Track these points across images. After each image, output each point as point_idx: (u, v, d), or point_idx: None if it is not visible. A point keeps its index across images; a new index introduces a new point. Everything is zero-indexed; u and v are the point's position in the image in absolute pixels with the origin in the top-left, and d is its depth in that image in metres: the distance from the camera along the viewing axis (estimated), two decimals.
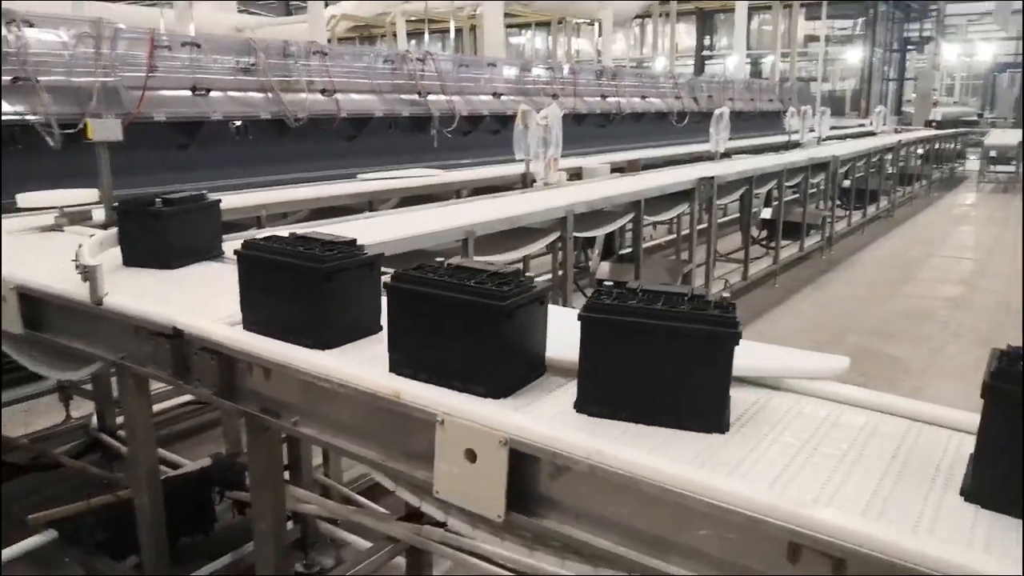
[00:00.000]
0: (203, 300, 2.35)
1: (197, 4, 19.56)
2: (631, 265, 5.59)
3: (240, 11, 28.13)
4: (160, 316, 2.13)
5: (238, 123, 6.43)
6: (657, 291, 1.60)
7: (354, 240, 2.02)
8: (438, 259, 1.82)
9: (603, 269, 6.05)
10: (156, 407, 3.76)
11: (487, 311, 1.57)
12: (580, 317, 1.55)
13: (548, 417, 1.53)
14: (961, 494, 1.26)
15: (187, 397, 4.17)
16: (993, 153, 16.43)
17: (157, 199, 2.76)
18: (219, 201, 2.95)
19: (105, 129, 3.25)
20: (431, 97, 8.28)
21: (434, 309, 1.66)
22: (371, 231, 3.49)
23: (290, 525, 2.86)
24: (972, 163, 18.61)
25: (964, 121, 27.54)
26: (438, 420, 1.53)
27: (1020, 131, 20.76)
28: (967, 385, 5.12)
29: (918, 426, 1.53)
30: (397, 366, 1.72)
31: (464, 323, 1.62)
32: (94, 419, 4.02)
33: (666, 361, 1.48)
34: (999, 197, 15.34)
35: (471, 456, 1.48)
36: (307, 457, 3.00)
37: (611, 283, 1.65)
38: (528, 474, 1.46)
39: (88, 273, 2.28)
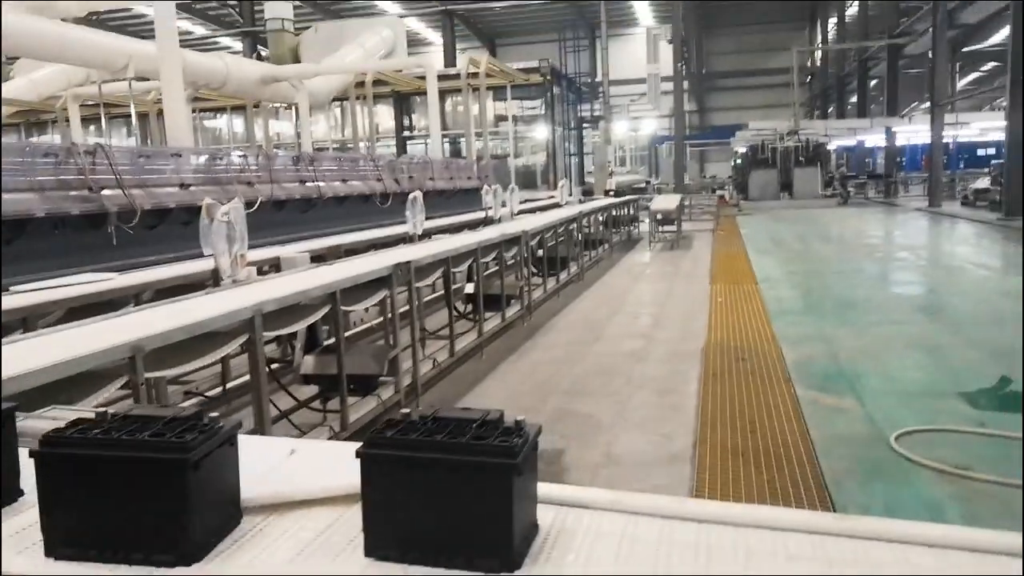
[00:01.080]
0: None
1: None
2: (335, 356, 5.46)
3: None
4: None
5: None
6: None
7: None
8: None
9: (307, 363, 5.85)
10: None
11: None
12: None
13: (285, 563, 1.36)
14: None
15: None
16: (659, 216, 18.83)
17: None
18: None
19: None
20: (106, 192, 7.59)
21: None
22: (19, 358, 3.02)
23: None
24: (644, 225, 21.15)
25: (636, 188, 31.44)
26: None
27: (679, 196, 24.16)
28: (649, 434, 5.64)
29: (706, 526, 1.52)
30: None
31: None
32: None
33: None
34: (667, 254, 17.56)
35: None
36: None
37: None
38: None
39: None
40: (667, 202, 20.62)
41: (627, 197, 23.16)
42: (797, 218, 26.22)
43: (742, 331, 8.78)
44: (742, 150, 40.54)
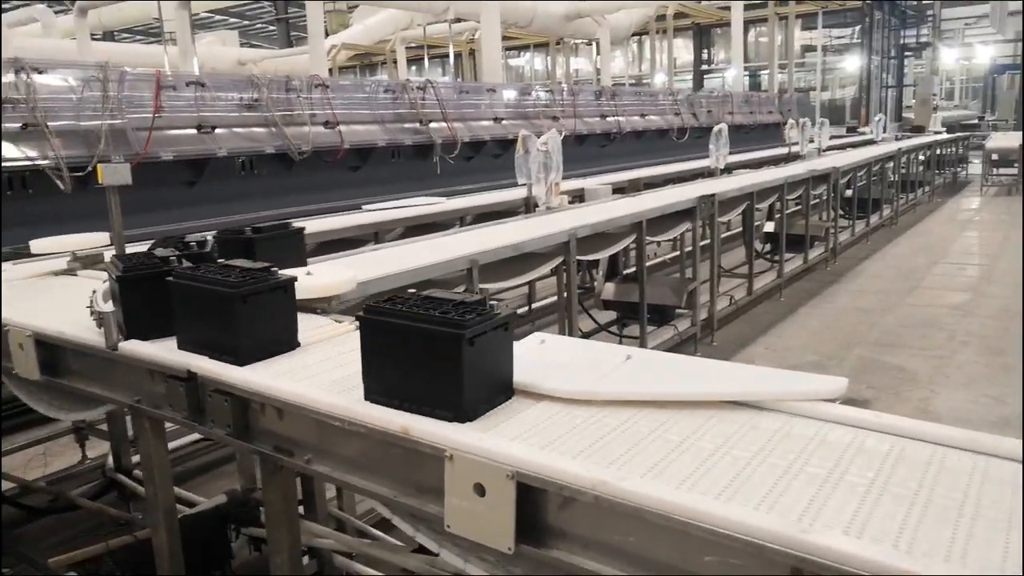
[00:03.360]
0: None
1: (200, 39, 19.84)
2: (635, 285, 5.62)
3: (243, 44, 28.53)
4: (174, 360, 2.18)
5: (243, 158, 6.52)
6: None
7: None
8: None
9: (608, 290, 6.09)
10: (171, 444, 3.82)
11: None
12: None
13: (508, 439, 1.61)
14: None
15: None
16: (995, 156, 16.42)
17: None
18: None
19: (115, 174, 3.32)
20: (432, 125, 8.39)
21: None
22: (377, 264, 3.55)
23: (306, 560, 2.90)
24: (975, 167, 18.58)
25: (965, 125, 27.58)
26: (447, 455, 1.57)
27: (1021, 133, 20.78)
28: (976, 394, 5.13)
29: (902, 442, 1.55)
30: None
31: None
32: (110, 459, 4.07)
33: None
34: (1003, 200, 15.33)
35: (480, 490, 1.52)
36: (321, 491, 3.04)
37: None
38: (538, 506, 1.50)
39: (103, 319, 2.34)
40: (1006, 140, 17.86)
41: (955, 135, 20.43)
42: None
43: None
44: None
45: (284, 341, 2.25)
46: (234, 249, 2.92)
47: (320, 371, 2.07)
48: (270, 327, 2.21)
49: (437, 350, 1.70)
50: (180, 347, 2.24)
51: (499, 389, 1.82)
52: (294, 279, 2.27)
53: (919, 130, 20.44)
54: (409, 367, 1.74)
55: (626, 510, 1.36)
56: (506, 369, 1.85)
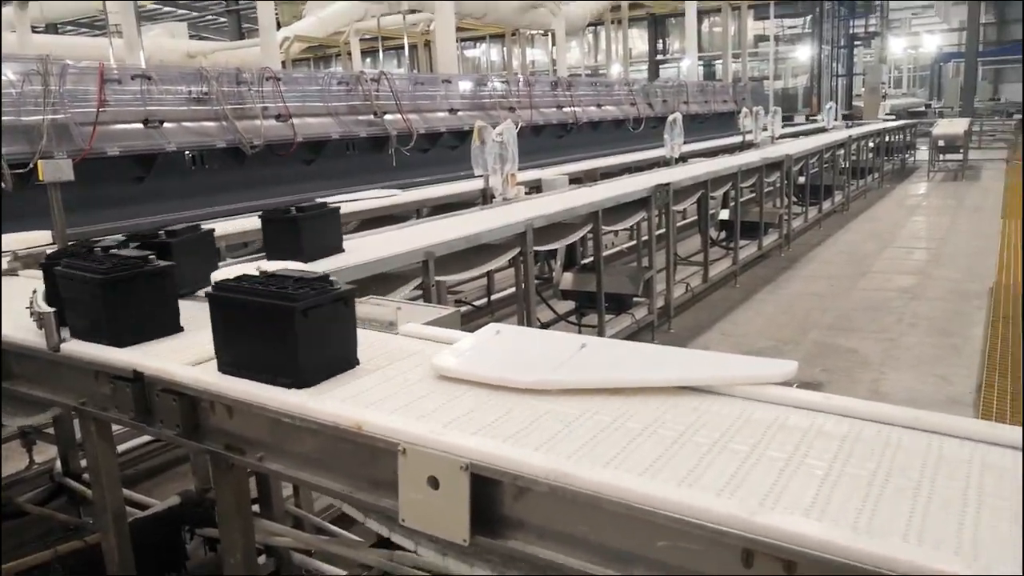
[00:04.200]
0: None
1: (147, 32, 19.36)
2: (593, 274, 5.65)
3: (192, 37, 27.94)
4: (119, 360, 2.13)
5: (193, 153, 6.39)
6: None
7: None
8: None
9: (566, 279, 6.10)
10: (121, 447, 3.73)
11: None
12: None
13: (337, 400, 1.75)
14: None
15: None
16: (941, 143, 16.84)
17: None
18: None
19: (56, 170, 3.23)
20: (387, 117, 8.31)
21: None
22: (331, 258, 3.51)
23: (263, 559, 2.86)
24: (922, 153, 19.04)
25: (913, 113, 28.20)
26: (400, 449, 1.55)
27: (967, 120, 21.34)
28: (924, 375, 5.26)
29: (859, 423, 1.57)
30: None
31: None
32: (58, 463, 3.96)
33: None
34: (950, 185, 15.74)
35: (433, 483, 1.51)
36: (277, 489, 2.99)
37: None
38: (492, 496, 1.50)
39: (43, 320, 2.27)
40: (952, 127, 18.32)
41: (902, 122, 20.90)
42: None
43: None
44: None
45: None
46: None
47: None
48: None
49: (275, 322, 1.86)
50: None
51: (339, 359, 1.96)
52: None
53: (858, 119, 20.82)
54: (253, 339, 1.90)
55: (582, 499, 1.36)
56: (346, 340, 1.99)
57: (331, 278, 2.01)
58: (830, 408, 1.65)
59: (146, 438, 4.25)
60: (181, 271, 2.56)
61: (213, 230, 3.09)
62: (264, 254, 3.62)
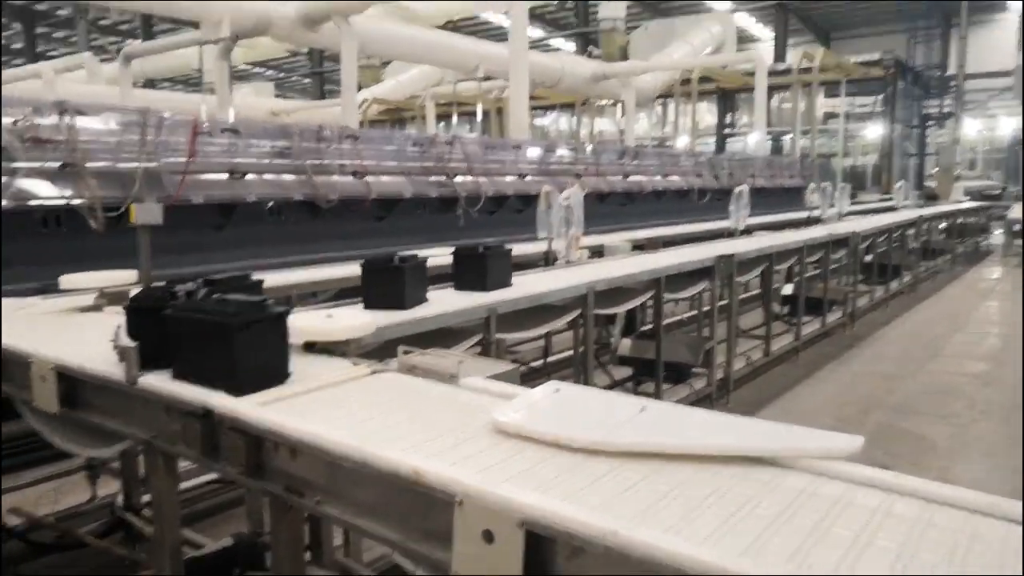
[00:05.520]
0: None
1: (237, 90, 20.38)
2: (652, 342, 5.62)
3: (277, 96, 29.30)
4: (191, 396, 2.21)
5: (272, 204, 6.65)
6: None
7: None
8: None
9: (624, 346, 6.08)
10: (181, 485, 3.82)
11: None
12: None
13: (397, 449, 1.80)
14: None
15: (210, 475, 4.22)
16: (1017, 227, 16.35)
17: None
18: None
19: (147, 213, 3.42)
20: (458, 178, 8.52)
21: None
22: (394, 311, 3.59)
23: None
24: (997, 237, 18.47)
25: (987, 195, 27.50)
26: (457, 501, 1.57)
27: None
28: (995, 465, 5.03)
29: (932, 507, 1.53)
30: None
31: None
32: (119, 498, 4.08)
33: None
34: None
35: (488, 536, 1.52)
36: (329, 537, 3.02)
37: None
38: (546, 554, 1.50)
39: (124, 353, 2.38)
40: None
41: (977, 204, 20.39)
42: None
43: None
44: None
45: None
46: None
47: (335, 413, 2.09)
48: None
49: (216, 337, 2.18)
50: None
51: (272, 372, 2.26)
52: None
53: (935, 198, 20.34)
54: (199, 351, 2.24)
55: (639, 559, 1.35)
56: (278, 355, 2.30)
57: (266, 301, 2.38)
58: (900, 488, 1.60)
59: (204, 479, 4.35)
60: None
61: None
62: (335, 302, 3.73)
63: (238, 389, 2.15)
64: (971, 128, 39.57)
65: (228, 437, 2.09)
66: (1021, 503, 1.40)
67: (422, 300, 3.76)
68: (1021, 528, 1.34)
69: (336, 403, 2.18)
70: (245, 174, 6.36)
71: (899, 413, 6.21)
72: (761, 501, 1.54)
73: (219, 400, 2.16)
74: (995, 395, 6.65)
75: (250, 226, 6.48)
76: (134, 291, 3.69)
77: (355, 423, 2.01)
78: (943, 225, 14.95)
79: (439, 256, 6.17)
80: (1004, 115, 44.05)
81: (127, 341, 2.41)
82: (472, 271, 4.19)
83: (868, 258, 10.36)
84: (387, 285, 3.63)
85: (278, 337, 2.32)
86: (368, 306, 3.61)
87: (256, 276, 3.23)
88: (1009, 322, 10.09)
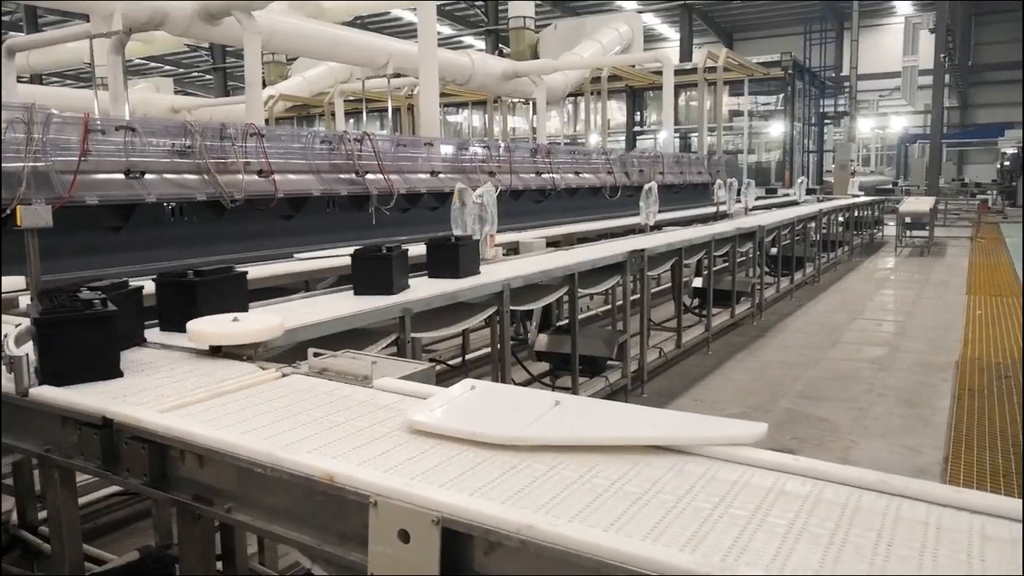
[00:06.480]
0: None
1: (133, 85, 19.52)
2: (568, 336, 5.68)
3: (177, 92, 28.19)
4: (88, 405, 2.11)
5: (173, 205, 6.40)
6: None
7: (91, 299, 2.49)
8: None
9: (541, 341, 6.13)
10: (81, 500, 3.64)
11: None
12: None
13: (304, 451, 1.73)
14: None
15: (112, 488, 4.04)
16: (908, 219, 17.33)
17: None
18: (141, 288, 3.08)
19: (34, 215, 3.22)
20: (369, 176, 8.39)
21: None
22: (305, 311, 3.51)
23: None
24: (890, 228, 19.53)
25: (880, 190, 29.03)
26: (371, 502, 1.55)
27: (932, 198, 21.99)
28: (892, 443, 5.30)
29: (820, 484, 1.61)
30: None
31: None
32: (14, 515, 3.85)
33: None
34: (916, 260, 16.12)
35: (404, 536, 1.51)
36: (242, 545, 2.93)
37: None
38: (463, 551, 1.49)
39: (13, 364, 2.25)
40: (918, 204, 18.90)
41: (871, 198, 21.49)
42: None
43: (1007, 347, 7.90)
44: (1011, 151, 36.02)
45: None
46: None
47: (242, 418, 2.03)
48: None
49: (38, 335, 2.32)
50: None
51: (99, 367, 2.38)
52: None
53: (829, 194, 21.39)
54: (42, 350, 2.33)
55: (554, 554, 1.36)
56: (107, 352, 2.42)
57: (94, 300, 2.47)
58: (795, 469, 1.68)
59: (106, 491, 4.15)
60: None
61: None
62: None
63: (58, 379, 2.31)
64: (865, 126, 41.67)
65: (130, 447, 2.00)
66: (1021, 503, 1.47)
67: (405, 287, 4.17)
68: (1021, 528, 1.41)
69: (244, 408, 2.12)
70: (143, 173, 6.09)
71: (804, 398, 6.49)
72: (664, 486, 1.59)
73: (119, 408, 2.07)
74: (891, 378, 7.02)
75: (151, 227, 6.22)
76: (22, 298, 3.49)
77: (264, 427, 1.96)
78: (841, 218, 15.68)
79: (339, 257, 6.10)
80: (894, 114, 46.70)
81: (16, 351, 2.28)
82: (374, 273, 4.10)
83: (773, 251, 10.77)
84: (375, 274, 4.01)
85: (101, 336, 2.43)
86: (358, 292, 4.04)
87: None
88: (903, 310, 10.67)
